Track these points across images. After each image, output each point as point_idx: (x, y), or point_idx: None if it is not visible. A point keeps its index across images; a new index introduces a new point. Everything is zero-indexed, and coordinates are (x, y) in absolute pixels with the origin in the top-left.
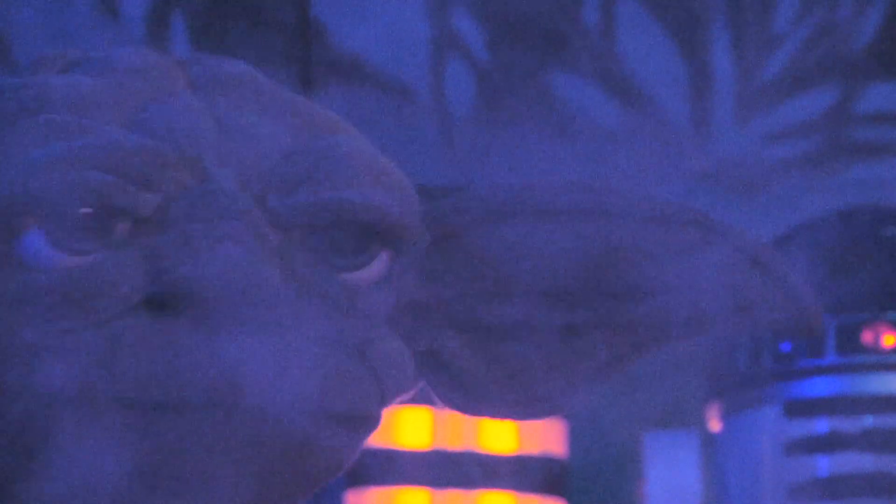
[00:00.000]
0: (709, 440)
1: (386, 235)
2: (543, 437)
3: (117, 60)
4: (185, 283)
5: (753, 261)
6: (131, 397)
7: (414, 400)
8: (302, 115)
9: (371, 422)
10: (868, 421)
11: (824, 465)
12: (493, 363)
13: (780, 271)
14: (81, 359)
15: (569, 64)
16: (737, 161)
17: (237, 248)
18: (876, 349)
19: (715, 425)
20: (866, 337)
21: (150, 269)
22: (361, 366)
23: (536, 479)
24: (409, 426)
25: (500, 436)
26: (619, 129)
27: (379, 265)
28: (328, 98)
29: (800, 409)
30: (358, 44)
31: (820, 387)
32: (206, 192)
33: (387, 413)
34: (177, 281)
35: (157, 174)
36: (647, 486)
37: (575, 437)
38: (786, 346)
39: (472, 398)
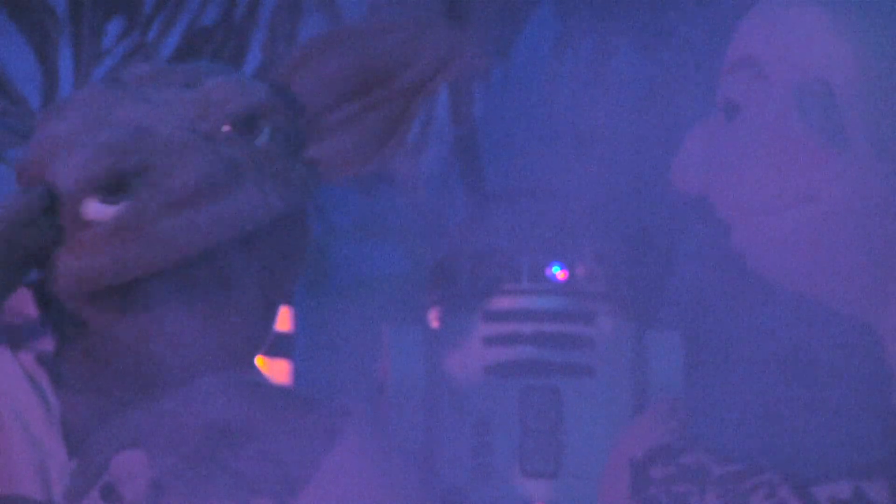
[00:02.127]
0: (432, 335)
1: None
2: None
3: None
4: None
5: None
6: None
7: None
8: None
9: None
10: (535, 326)
11: (507, 353)
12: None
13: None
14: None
15: None
16: None
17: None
18: (553, 281)
19: (436, 324)
20: (548, 272)
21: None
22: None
23: None
24: None
25: None
26: None
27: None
28: None
29: (495, 316)
30: None
31: (511, 302)
32: None
33: None
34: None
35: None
36: (387, 372)
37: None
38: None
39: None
